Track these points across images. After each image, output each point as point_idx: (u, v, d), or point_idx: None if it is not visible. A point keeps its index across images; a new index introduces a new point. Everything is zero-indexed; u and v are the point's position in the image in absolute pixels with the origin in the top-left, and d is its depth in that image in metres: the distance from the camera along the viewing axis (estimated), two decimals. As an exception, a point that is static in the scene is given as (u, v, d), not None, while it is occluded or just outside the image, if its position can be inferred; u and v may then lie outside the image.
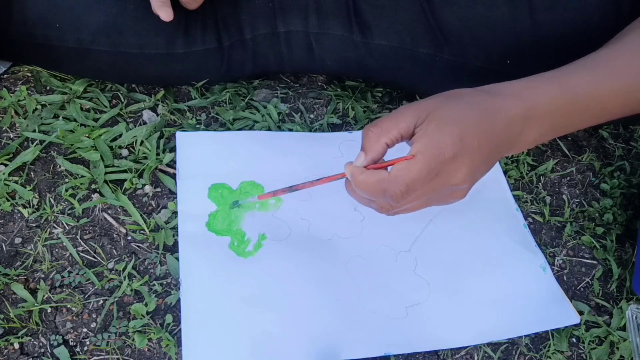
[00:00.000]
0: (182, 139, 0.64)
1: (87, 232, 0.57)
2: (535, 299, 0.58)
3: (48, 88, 0.67)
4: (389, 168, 0.48)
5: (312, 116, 0.70)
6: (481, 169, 0.49)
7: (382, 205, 0.50)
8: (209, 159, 0.63)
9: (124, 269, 0.55)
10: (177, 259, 0.55)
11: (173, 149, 0.63)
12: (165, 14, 0.59)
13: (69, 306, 0.52)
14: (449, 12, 0.65)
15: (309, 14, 0.67)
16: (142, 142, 0.63)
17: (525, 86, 0.50)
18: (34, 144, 0.61)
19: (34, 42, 0.62)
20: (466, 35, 0.66)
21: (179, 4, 0.62)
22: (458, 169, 0.46)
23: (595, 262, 0.64)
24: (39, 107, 0.64)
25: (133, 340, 0.51)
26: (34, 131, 0.62)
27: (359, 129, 0.70)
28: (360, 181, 0.48)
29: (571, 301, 0.59)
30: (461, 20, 0.66)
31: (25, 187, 0.58)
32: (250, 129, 0.67)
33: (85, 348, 0.51)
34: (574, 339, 0.58)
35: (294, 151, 0.65)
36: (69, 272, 0.54)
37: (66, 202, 0.58)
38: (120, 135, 0.63)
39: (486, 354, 0.55)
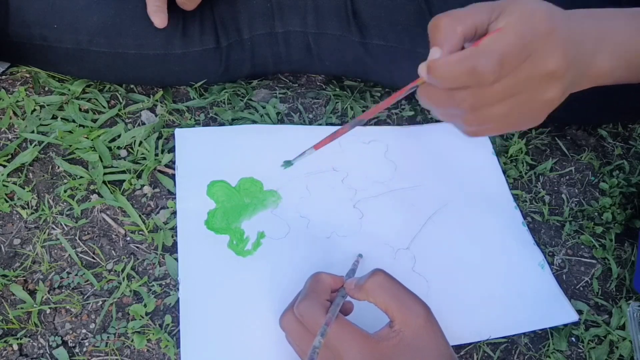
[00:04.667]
0: (181, 135, 0.64)
1: (86, 233, 0.57)
2: (534, 296, 0.59)
3: (46, 89, 0.67)
4: None
5: (311, 116, 0.70)
6: (572, 69, 0.42)
7: (465, 99, 0.41)
8: (207, 156, 0.63)
9: (122, 270, 0.55)
10: (176, 259, 0.55)
11: (172, 150, 0.63)
12: (159, 20, 0.59)
13: (67, 307, 0.52)
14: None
15: (307, 14, 0.67)
16: (140, 142, 0.63)
17: (595, 11, 0.46)
18: (33, 145, 0.61)
19: (31, 42, 0.62)
20: (465, 34, 0.66)
21: (176, 4, 0.62)
22: (554, 50, 0.40)
23: (594, 261, 0.64)
24: (38, 108, 0.64)
25: (132, 341, 0.51)
26: (33, 132, 0.62)
27: (357, 129, 0.70)
28: (442, 64, 0.39)
29: (570, 300, 0.59)
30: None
31: (24, 188, 0.58)
32: (249, 129, 0.67)
33: (84, 349, 0.51)
34: (573, 339, 0.58)
35: (293, 146, 0.65)
36: (68, 273, 0.54)
37: (65, 203, 0.58)
38: (119, 136, 0.63)
39: (485, 354, 0.55)
